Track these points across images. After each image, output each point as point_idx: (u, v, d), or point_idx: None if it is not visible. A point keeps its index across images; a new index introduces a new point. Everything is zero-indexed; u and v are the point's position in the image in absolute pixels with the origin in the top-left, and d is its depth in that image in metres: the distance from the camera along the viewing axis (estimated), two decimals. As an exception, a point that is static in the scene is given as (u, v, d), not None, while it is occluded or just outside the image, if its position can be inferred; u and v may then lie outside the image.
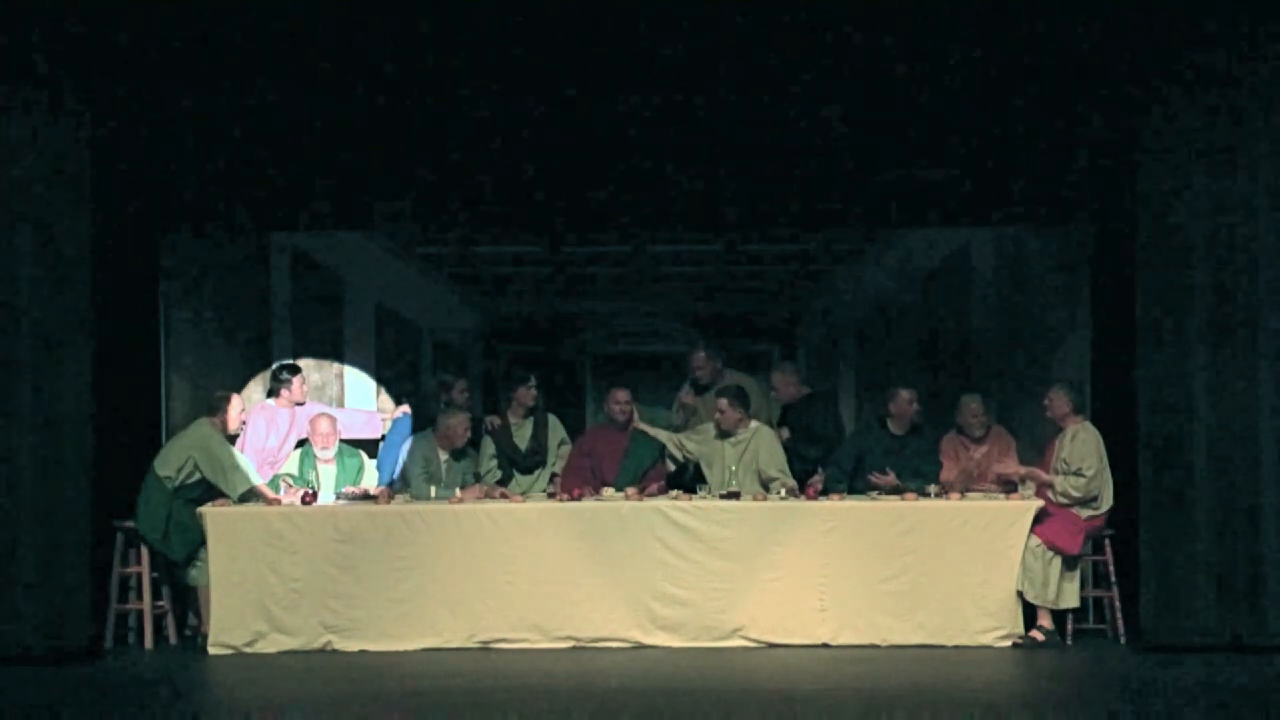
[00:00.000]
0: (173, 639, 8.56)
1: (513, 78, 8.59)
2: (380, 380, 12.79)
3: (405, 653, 8.11)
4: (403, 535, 8.23)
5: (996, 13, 8.25)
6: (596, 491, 8.67)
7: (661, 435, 9.22)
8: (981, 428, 8.92)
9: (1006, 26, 8.33)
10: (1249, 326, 7.98)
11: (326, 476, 8.96)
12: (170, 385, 9.42)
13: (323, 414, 9.17)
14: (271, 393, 9.46)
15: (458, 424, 9.04)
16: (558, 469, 9.26)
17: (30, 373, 7.94)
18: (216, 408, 8.61)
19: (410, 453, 9.10)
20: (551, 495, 8.78)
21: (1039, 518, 8.27)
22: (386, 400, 12.43)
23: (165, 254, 9.37)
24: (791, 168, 8.89)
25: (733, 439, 8.95)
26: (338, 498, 8.75)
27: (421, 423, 9.53)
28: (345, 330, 12.58)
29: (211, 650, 8.13)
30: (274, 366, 9.76)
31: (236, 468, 8.45)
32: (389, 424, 9.66)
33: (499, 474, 9.23)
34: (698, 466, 9.16)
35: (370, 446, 9.54)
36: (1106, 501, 8.38)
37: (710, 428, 9.07)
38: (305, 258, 11.73)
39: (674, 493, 8.63)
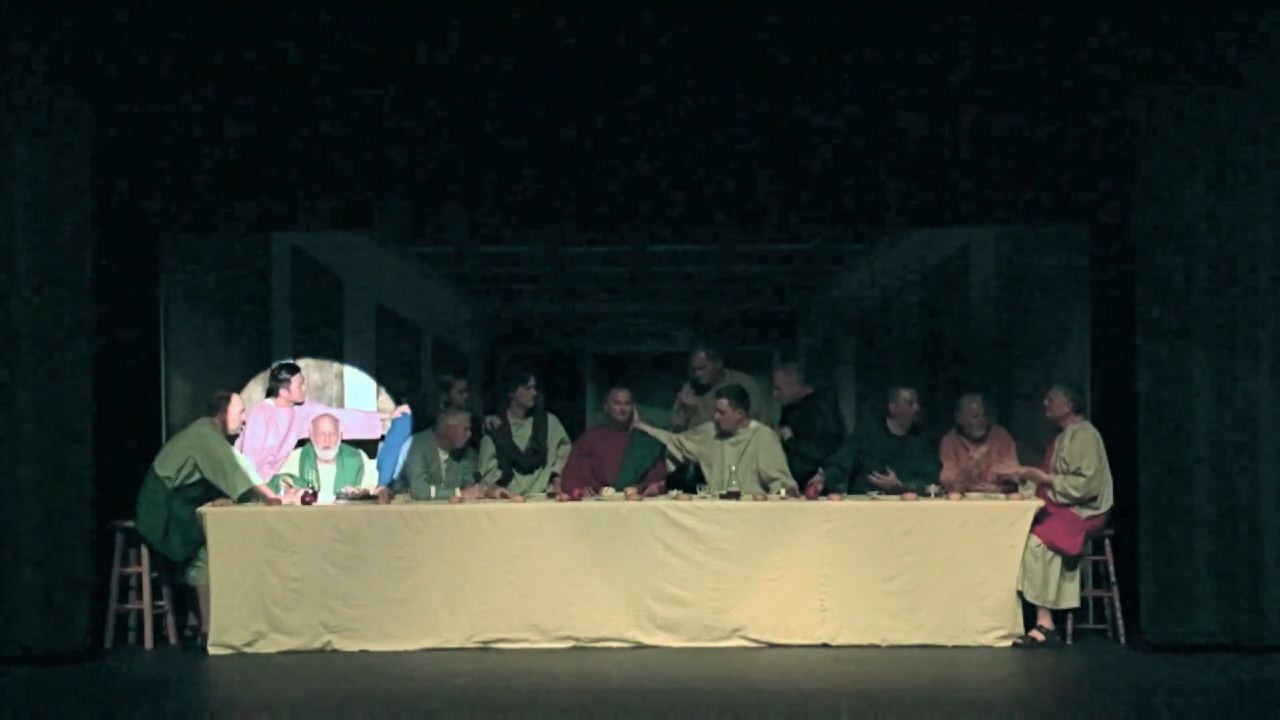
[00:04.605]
0: (173, 639, 8.56)
1: (513, 77, 8.59)
2: (380, 380, 12.79)
3: (405, 653, 8.11)
4: (403, 535, 8.23)
5: (997, 13, 8.24)
6: (596, 491, 8.67)
7: (661, 435, 9.22)
8: (981, 428, 8.92)
9: (1007, 27, 8.32)
10: (1249, 327, 7.99)
11: (326, 476, 8.96)
12: (170, 385, 9.42)
13: (325, 414, 9.18)
14: (270, 392, 9.46)
15: (458, 424, 9.04)
16: (558, 469, 9.26)
17: (30, 373, 7.94)
18: (216, 408, 8.62)
19: (410, 453, 9.11)
20: (551, 495, 8.78)
21: (1039, 518, 8.27)
22: (386, 400, 12.42)
23: (165, 254, 9.37)
24: (791, 168, 8.89)
25: (733, 439, 8.95)
26: (338, 498, 8.75)
27: (421, 423, 9.53)
28: (345, 330, 12.58)
29: (211, 650, 8.13)
30: (273, 366, 9.76)
31: (236, 468, 8.45)
32: (389, 424, 9.66)
33: (499, 474, 9.22)
34: (698, 466, 9.17)
35: (370, 446, 9.54)
36: (1106, 501, 8.38)
37: (710, 428, 9.07)
38: (305, 258, 11.73)
39: (674, 493, 8.64)
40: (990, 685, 7.37)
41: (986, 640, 8.20)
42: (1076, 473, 8.33)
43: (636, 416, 9.29)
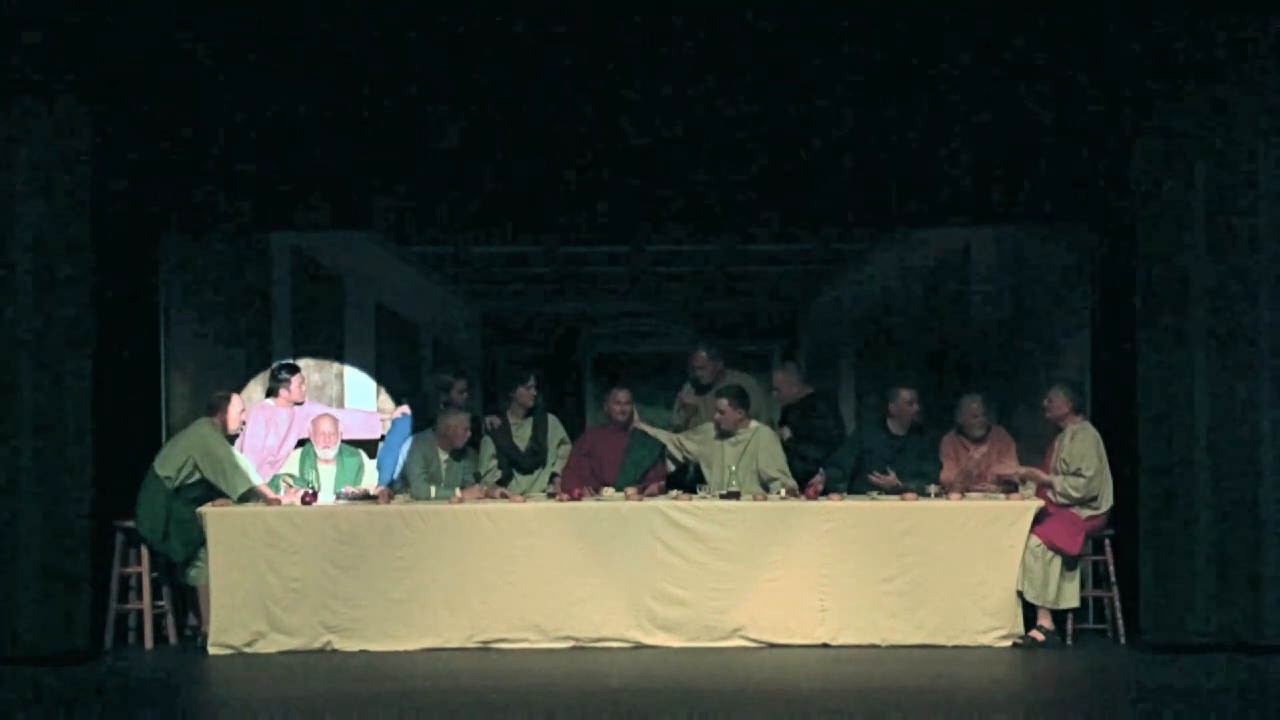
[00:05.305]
0: (173, 639, 8.56)
1: (513, 77, 8.59)
2: (380, 380, 12.79)
3: (405, 653, 8.11)
4: (403, 535, 8.23)
5: (997, 13, 8.24)
6: (596, 491, 8.67)
7: (661, 435, 9.22)
8: (981, 428, 8.92)
9: (1007, 26, 8.32)
10: (1249, 326, 7.98)
11: (326, 476, 8.96)
12: (170, 385, 9.41)
13: (325, 414, 9.18)
14: (270, 392, 9.46)
15: (458, 424, 9.04)
16: (558, 469, 9.26)
17: (30, 373, 7.94)
18: (216, 408, 8.62)
19: (410, 453, 9.11)
20: (551, 495, 8.78)
21: (1039, 518, 8.27)
22: (386, 400, 12.43)
23: (165, 254, 9.37)
24: (792, 167, 8.88)
25: (732, 439, 8.95)
26: (338, 498, 8.75)
27: (421, 423, 9.53)
28: (345, 330, 12.59)
29: (211, 650, 8.13)
30: (273, 366, 9.76)
31: (236, 468, 8.45)
32: (389, 424, 9.66)
33: (499, 474, 9.22)
34: (698, 466, 9.16)
35: (370, 446, 9.54)
36: (1106, 501, 8.38)
37: (710, 428, 9.07)
38: (305, 258, 11.73)
39: (674, 493, 8.64)
40: (990, 685, 7.37)
41: (986, 640, 8.19)
42: (1076, 473, 8.32)
43: (636, 416, 9.29)
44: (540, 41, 8.40)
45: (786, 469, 8.89)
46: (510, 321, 17.92)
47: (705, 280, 15.99)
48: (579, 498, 8.49)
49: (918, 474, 8.73)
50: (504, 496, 8.69)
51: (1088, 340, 9.16)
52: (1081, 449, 8.35)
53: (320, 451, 8.98)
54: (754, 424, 9.02)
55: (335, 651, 8.17)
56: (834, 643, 8.19)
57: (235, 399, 8.72)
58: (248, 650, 8.15)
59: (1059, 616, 8.34)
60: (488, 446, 9.32)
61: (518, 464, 9.29)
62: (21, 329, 7.94)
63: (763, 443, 8.93)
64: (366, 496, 8.66)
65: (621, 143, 8.82)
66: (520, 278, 15.75)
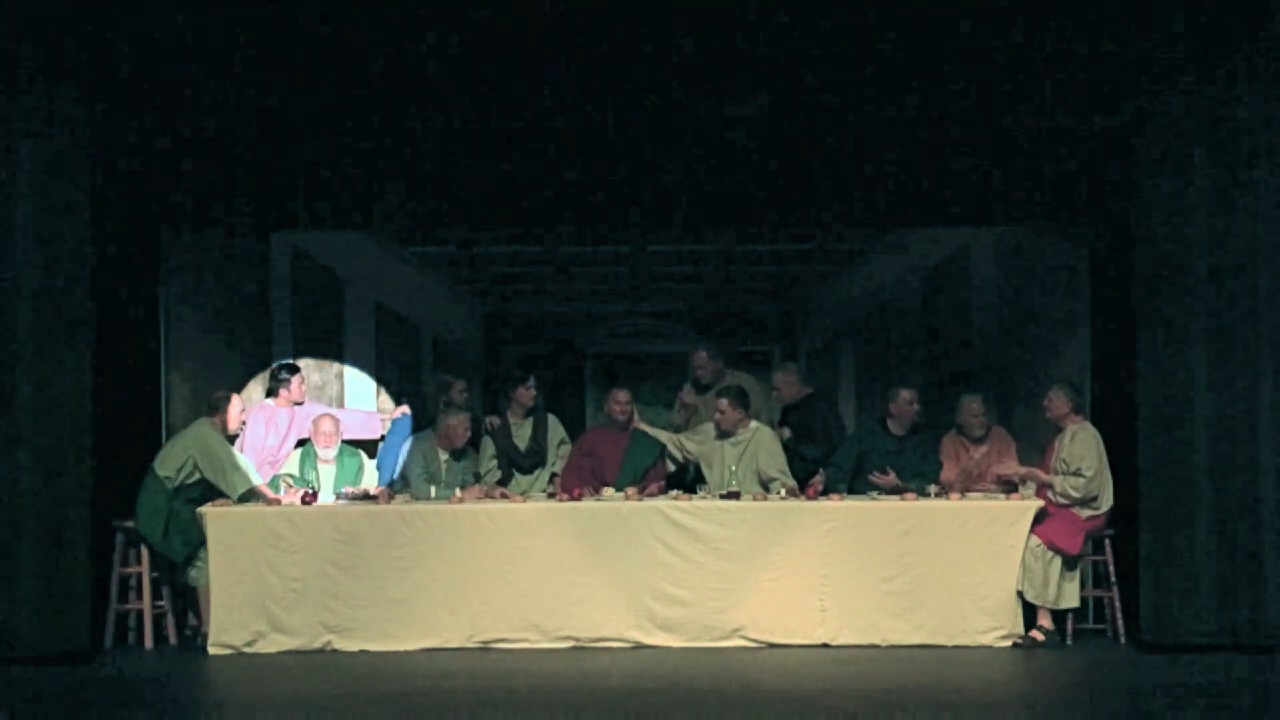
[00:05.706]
0: (173, 639, 8.56)
1: (513, 78, 8.59)
2: (380, 380, 12.79)
3: (405, 653, 8.11)
4: (403, 535, 8.23)
5: (996, 13, 8.24)
6: (596, 491, 8.67)
7: (661, 435, 9.22)
8: (981, 428, 8.92)
9: (1006, 27, 8.32)
10: (1249, 326, 7.98)
11: (326, 476, 8.96)
12: (170, 385, 9.42)
13: (326, 414, 9.19)
14: (270, 392, 9.46)
15: (458, 424, 9.04)
16: (558, 469, 9.26)
17: (30, 372, 7.93)
18: (216, 408, 8.62)
19: (410, 453, 9.11)
20: (551, 495, 8.78)
21: (1039, 518, 8.27)
22: (386, 400, 12.44)
23: (165, 253, 9.37)
24: (792, 167, 8.89)
25: (732, 439, 8.95)
26: (338, 498, 8.75)
27: (421, 423, 9.53)
28: (345, 330, 12.59)
29: (211, 650, 8.13)
30: (273, 366, 9.76)
31: (236, 468, 8.45)
32: (389, 424, 9.66)
33: (499, 474, 9.22)
34: (698, 466, 9.17)
35: (370, 446, 9.54)
36: (1106, 501, 8.38)
37: (710, 428, 9.07)
38: (305, 258, 11.74)
39: (674, 493, 8.64)
40: (990, 685, 7.37)
41: (986, 640, 8.20)
42: (1076, 473, 8.33)
43: (636, 416, 9.29)
44: (540, 41, 8.39)
45: (786, 469, 8.89)
46: (510, 321, 17.93)
47: (705, 280, 16.00)
48: (579, 498, 8.49)
49: (918, 474, 8.73)
50: (504, 496, 8.69)
51: (1088, 340, 9.16)
52: (1081, 449, 8.35)
53: (320, 451, 8.99)
54: (754, 424, 9.02)
55: (335, 651, 8.17)
56: (834, 643, 8.19)
57: (235, 399, 8.72)
58: (248, 650, 8.15)
59: (1059, 616, 8.34)
60: (488, 446, 9.32)
61: (518, 464, 9.29)
62: (22, 328, 7.93)
63: (763, 443, 8.93)
64: (366, 496, 8.66)
65: (621, 142, 8.82)
66: (520, 278, 15.76)
